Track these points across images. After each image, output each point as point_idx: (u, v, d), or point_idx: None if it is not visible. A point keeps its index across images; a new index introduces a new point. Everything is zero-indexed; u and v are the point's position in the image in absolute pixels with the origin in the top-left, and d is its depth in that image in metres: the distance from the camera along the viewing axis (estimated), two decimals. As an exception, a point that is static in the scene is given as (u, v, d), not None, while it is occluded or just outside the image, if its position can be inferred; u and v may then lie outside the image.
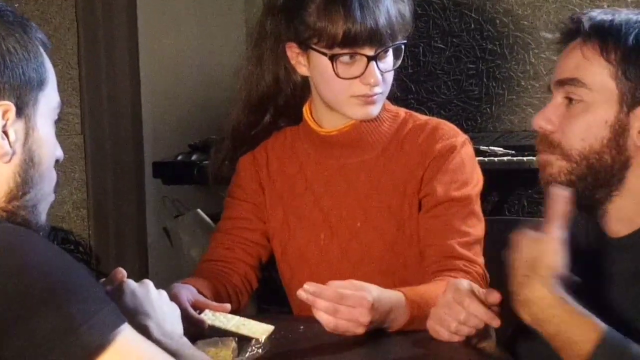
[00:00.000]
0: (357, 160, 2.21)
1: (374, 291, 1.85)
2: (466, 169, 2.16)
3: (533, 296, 1.63)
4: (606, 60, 1.72)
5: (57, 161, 1.55)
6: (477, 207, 2.15)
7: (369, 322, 1.84)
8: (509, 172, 3.41)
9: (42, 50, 1.51)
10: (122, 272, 1.63)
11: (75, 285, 1.34)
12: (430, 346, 1.84)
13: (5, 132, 1.45)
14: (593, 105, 1.73)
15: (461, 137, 2.19)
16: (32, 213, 1.49)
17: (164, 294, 1.66)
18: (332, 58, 2.10)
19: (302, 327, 1.95)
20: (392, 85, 2.18)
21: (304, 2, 2.11)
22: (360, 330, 1.85)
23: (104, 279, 1.64)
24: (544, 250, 1.64)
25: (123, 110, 3.99)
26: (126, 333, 1.35)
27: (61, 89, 1.55)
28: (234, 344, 1.76)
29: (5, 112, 1.45)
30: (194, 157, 3.78)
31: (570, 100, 1.76)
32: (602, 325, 1.61)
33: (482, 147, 3.38)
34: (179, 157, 3.85)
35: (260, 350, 1.79)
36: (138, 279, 1.66)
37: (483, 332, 1.83)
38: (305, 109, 2.24)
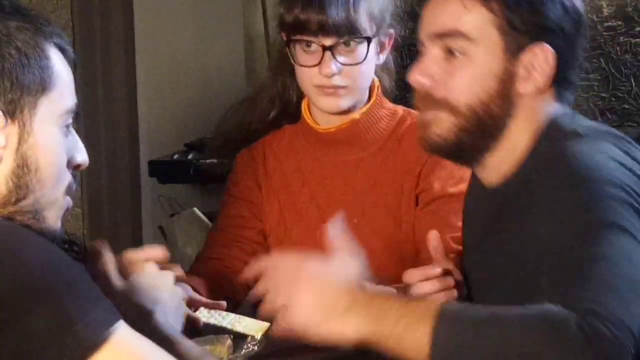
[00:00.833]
0: (354, 157, 2.21)
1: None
2: (463, 165, 2.17)
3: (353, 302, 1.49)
4: (488, 9, 1.65)
5: (78, 166, 1.54)
6: (474, 203, 2.15)
7: None
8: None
9: (50, 54, 1.49)
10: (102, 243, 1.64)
11: (71, 283, 1.34)
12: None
13: None
14: (477, 56, 1.66)
15: (459, 134, 2.19)
16: (34, 218, 1.48)
17: (178, 290, 1.68)
18: (289, 44, 2.15)
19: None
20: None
21: None
22: None
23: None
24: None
25: (119, 109, 3.98)
26: (122, 330, 1.35)
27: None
28: (229, 342, 1.77)
29: None
30: (189, 156, 3.77)
31: (451, 52, 1.68)
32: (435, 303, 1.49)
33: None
34: (175, 156, 3.83)
35: (255, 348, 1.79)
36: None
37: None
38: (304, 107, 2.25)
